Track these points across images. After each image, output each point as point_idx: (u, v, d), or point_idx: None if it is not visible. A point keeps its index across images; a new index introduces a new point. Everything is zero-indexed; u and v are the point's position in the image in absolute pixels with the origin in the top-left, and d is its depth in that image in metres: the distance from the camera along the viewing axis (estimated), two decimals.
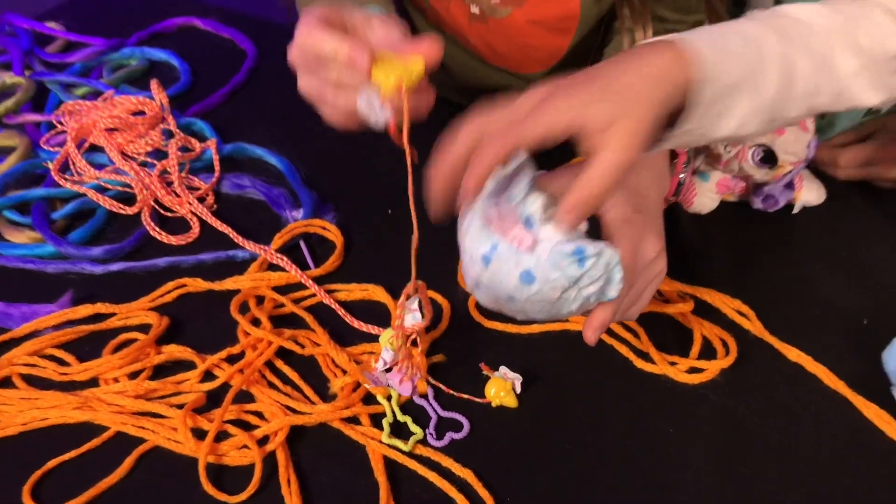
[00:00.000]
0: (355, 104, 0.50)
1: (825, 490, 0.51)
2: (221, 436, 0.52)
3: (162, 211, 0.69)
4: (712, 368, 0.57)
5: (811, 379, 0.57)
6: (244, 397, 0.55)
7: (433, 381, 0.56)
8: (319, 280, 0.63)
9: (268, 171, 0.74)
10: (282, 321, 0.60)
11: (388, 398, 0.55)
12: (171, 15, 0.94)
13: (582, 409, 0.55)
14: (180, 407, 0.53)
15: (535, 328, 0.60)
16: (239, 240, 0.66)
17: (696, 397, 0.56)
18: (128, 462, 0.51)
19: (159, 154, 0.73)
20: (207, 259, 0.65)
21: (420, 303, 0.56)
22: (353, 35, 0.49)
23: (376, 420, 0.54)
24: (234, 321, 0.59)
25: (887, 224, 0.69)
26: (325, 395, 0.55)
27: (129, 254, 0.65)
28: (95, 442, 0.52)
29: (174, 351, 0.57)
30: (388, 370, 0.55)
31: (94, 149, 0.73)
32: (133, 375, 0.56)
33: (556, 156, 0.48)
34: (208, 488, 0.50)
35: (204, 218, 0.68)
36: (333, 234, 0.66)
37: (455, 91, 0.82)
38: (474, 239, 0.45)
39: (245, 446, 0.52)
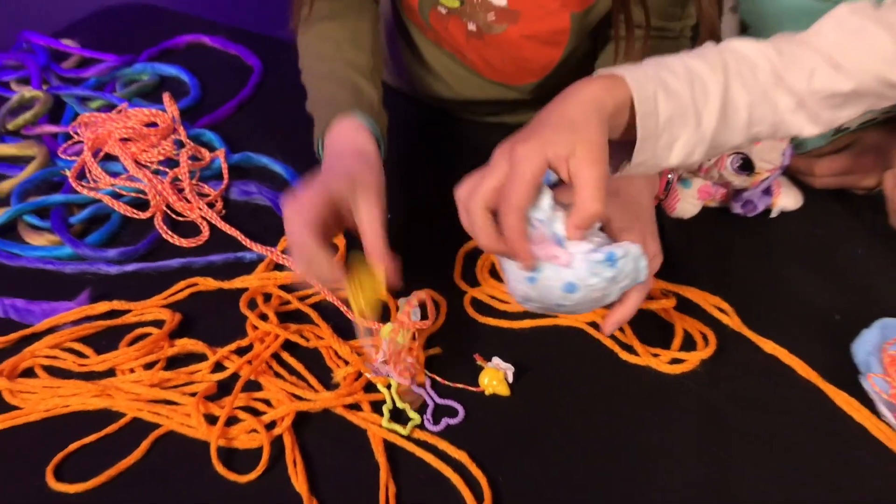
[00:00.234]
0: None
1: (798, 472, 0.54)
2: (231, 421, 0.56)
3: (173, 216, 0.73)
4: (692, 360, 0.60)
5: (786, 369, 0.60)
6: (253, 386, 0.59)
7: (430, 373, 0.60)
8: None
9: (273, 179, 0.78)
10: (288, 317, 0.64)
11: (388, 387, 0.58)
12: (180, 32, 0.98)
13: (570, 398, 0.59)
14: (193, 395, 0.57)
15: (526, 323, 0.64)
16: (247, 242, 0.70)
17: (677, 386, 0.60)
18: (144, 445, 0.55)
19: (171, 163, 0.77)
20: (217, 260, 0.69)
21: (423, 304, 0.60)
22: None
23: (377, 407, 0.57)
24: (243, 317, 0.63)
25: (861, 228, 0.73)
26: (329, 385, 0.59)
27: (143, 255, 0.69)
28: (113, 427, 0.56)
29: (186, 344, 0.61)
30: (387, 362, 0.59)
31: (109, 158, 0.77)
32: (148, 367, 0.59)
33: None
34: (220, 469, 0.53)
35: (213, 222, 0.72)
36: (336, 238, 0.70)
37: (451, 102, 0.86)
38: (512, 271, 0.52)
39: (254, 430, 0.55)
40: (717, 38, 0.68)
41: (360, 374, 0.59)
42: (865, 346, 0.60)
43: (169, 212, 0.73)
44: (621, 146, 0.53)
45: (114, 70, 0.90)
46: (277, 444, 0.55)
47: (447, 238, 0.65)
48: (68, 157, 0.77)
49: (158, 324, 0.63)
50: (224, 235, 0.71)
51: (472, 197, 0.49)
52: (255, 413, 0.57)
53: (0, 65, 0.91)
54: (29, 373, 0.60)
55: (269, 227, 0.72)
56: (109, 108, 0.85)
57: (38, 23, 0.97)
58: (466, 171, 0.51)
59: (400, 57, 0.87)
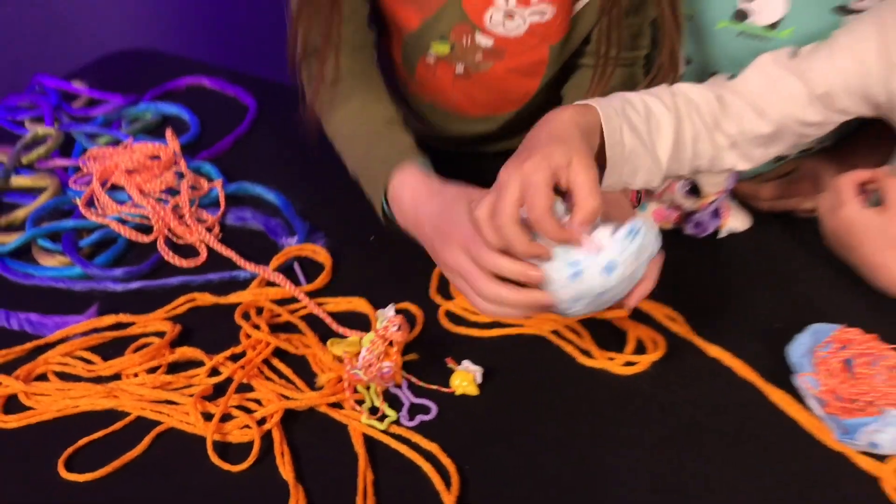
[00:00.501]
0: None
1: (740, 460, 0.60)
2: (226, 418, 0.62)
3: (175, 239, 0.79)
4: (644, 362, 0.67)
5: (728, 370, 0.67)
6: (246, 388, 0.65)
7: (406, 375, 0.66)
8: (310, 294, 0.73)
9: (266, 206, 0.85)
10: (278, 328, 0.70)
11: (368, 388, 0.64)
12: (181, 75, 1.06)
13: (533, 397, 0.65)
14: (191, 396, 0.63)
15: (494, 332, 0.70)
16: (241, 262, 0.76)
17: (630, 386, 0.66)
18: (146, 440, 0.61)
19: (172, 192, 0.84)
20: (214, 278, 0.75)
21: (400, 320, 0.66)
22: None
23: (358, 406, 0.63)
24: (237, 328, 0.69)
25: (802, 247, 0.80)
26: (314, 387, 0.65)
27: (146, 274, 0.76)
28: (119, 425, 0.62)
29: (186, 352, 0.67)
30: (369, 366, 0.65)
31: (116, 188, 0.84)
32: (151, 371, 0.66)
33: None
34: (215, 460, 0.59)
35: (211, 245, 0.79)
36: (323, 256, 0.77)
37: (430, 138, 0.93)
38: (557, 269, 0.57)
39: (246, 426, 0.61)
40: (675, 64, 0.77)
41: (342, 378, 0.65)
42: (799, 349, 0.66)
43: (170, 235, 0.80)
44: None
45: (120, 109, 0.98)
46: (267, 438, 0.61)
47: (424, 257, 0.72)
48: (78, 188, 0.84)
49: (160, 335, 0.69)
50: (220, 257, 0.78)
51: (499, 214, 0.56)
52: (248, 411, 0.63)
53: (15, 105, 0.99)
54: (42, 378, 0.66)
55: (262, 249, 0.79)
56: (116, 143, 0.92)
57: (51, 67, 1.04)
58: None
59: None
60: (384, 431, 0.62)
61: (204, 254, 0.78)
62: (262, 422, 0.62)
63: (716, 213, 0.80)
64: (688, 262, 0.78)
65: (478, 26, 0.80)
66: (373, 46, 0.83)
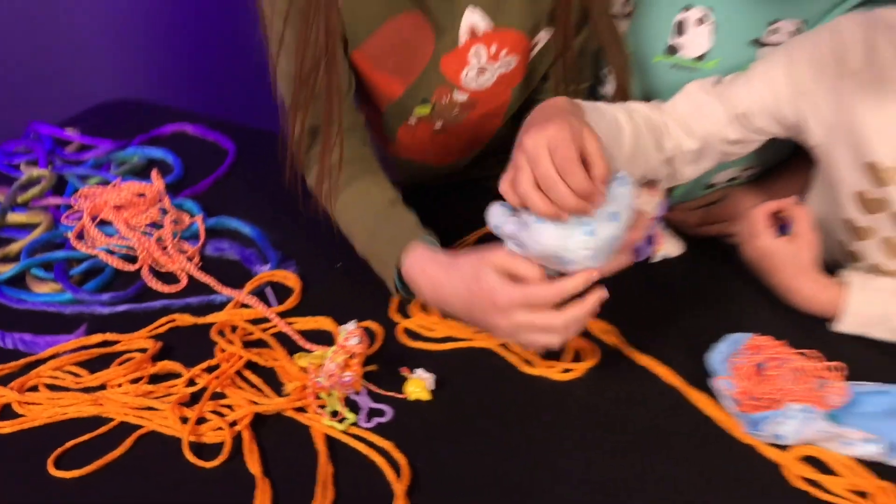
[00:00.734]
0: None
1: (665, 453, 0.67)
2: (201, 421, 0.69)
3: (158, 267, 0.87)
4: (579, 369, 0.74)
5: (655, 376, 0.74)
6: (220, 396, 0.71)
7: (366, 384, 0.73)
8: (281, 314, 0.81)
9: (243, 238, 0.92)
10: (250, 345, 0.77)
11: (330, 395, 0.71)
12: (166, 122, 1.14)
13: (479, 402, 0.72)
14: (170, 403, 0.70)
15: (447, 346, 0.78)
16: (218, 287, 0.84)
17: (567, 391, 0.73)
18: (129, 442, 0.67)
19: (157, 226, 0.91)
20: (193, 302, 0.82)
21: (360, 333, 0.74)
22: None
23: (320, 410, 0.70)
24: (214, 344, 0.76)
25: (728, 269, 0.88)
26: (281, 394, 0.72)
27: (131, 299, 0.83)
28: (104, 429, 0.68)
29: (166, 365, 0.74)
30: (331, 375, 0.72)
31: (104, 223, 0.92)
32: (133, 382, 0.72)
33: None
34: (191, 458, 0.65)
35: (191, 272, 0.86)
36: (293, 281, 0.85)
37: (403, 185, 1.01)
38: (573, 235, 0.66)
39: (219, 428, 0.68)
40: (626, 97, 0.89)
41: (306, 386, 0.72)
42: (717, 356, 0.74)
43: (154, 264, 0.87)
44: None
45: (109, 153, 1.06)
46: (238, 439, 0.67)
47: (382, 284, 0.80)
48: (69, 223, 0.92)
49: (143, 351, 0.76)
50: (199, 283, 0.85)
51: (520, 181, 0.65)
52: (221, 415, 0.69)
53: (12, 150, 1.07)
54: (34, 389, 0.72)
55: (238, 276, 0.86)
56: (105, 184, 0.99)
57: (45, 115, 1.13)
58: None
59: None
60: (343, 432, 0.68)
61: (184, 280, 0.85)
62: (233, 424, 0.68)
63: (650, 240, 0.88)
64: (624, 283, 0.84)
65: (455, 85, 0.89)
66: (364, 127, 0.89)
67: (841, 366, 0.71)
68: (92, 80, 1.37)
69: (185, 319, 0.80)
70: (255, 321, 0.80)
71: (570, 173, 0.63)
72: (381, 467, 0.65)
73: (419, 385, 0.72)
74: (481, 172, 0.99)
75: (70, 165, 1.04)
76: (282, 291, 0.84)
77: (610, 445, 0.68)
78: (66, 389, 0.72)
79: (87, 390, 0.72)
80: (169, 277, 0.86)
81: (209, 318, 0.80)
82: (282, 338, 0.78)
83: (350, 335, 0.72)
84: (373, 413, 0.71)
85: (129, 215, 0.92)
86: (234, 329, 0.79)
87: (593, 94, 0.96)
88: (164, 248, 0.88)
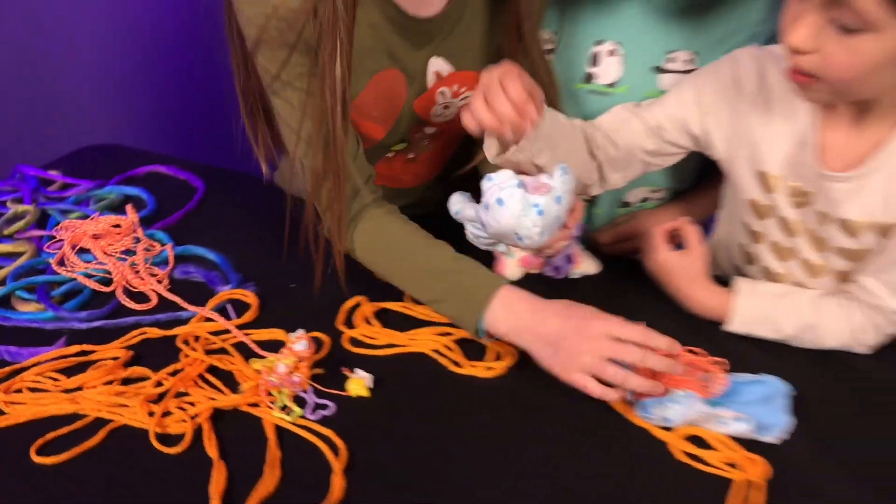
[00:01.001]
0: None
1: (574, 438, 0.77)
2: (166, 415, 0.78)
3: (131, 288, 0.97)
4: (499, 367, 0.85)
5: None
6: (184, 395, 0.81)
7: (312, 383, 0.83)
8: (239, 327, 0.91)
9: (207, 263, 1.03)
10: (212, 353, 0.87)
11: (280, 392, 0.81)
12: (142, 164, 1.25)
13: (413, 398, 0.83)
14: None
15: (386, 351, 0.88)
16: (184, 304, 0.94)
17: (491, 386, 0.84)
18: (102, 433, 0.76)
19: (131, 253, 1.02)
20: (162, 318, 0.92)
21: (306, 338, 0.84)
22: None
23: (271, 405, 0.80)
24: (179, 352, 0.86)
25: (638, 283, 0.99)
26: (237, 392, 0.82)
27: (106, 316, 0.93)
28: (80, 423, 0.78)
29: (136, 370, 0.84)
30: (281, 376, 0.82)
31: (83, 250, 1.02)
32: (107, 384, 0.82)
33: None
34: (157, 446, 0.75)
35: (160, 293, 0.96)
36: (251, 298, 0.95)
37: None
38: (527, 215, 0.81)
39: (182, 420, 0.78)
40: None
41: (259, 385, 0.82)
42: None
43: (127, 286, 0.97)
44: None
45: (89, 191, 1.17)
46: (198, 429, 0.77)
47: (333, 298, 0.90)
48: (52, 251, 1.02)
49: (116, 359, 0.86)
50: (168, 301, 0.95)
51: (472, 102, 0.82)
52: (184, 410, 0.79)
53: None
54: (18, 392, 0.82)
55: (202, 296, 0.96)
56: (85, 218, 1.09)
57: (30, 158, 1.23)
58: None
59: None
60: (291, 423, 0.78)
61: (154, 299, 0.95)
62: (194, 417, 0.78)
63: (569, 259, 1.00)
64: (548, 297, 0.97)
65: (426, 122, 1.02)
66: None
67: (723, 361, 0.83)
68: (74, 127, 1.48)
69: (155, 332, 0.90)
70: (217, 333, 0.90)
71: (510, 83, 0.79)
72: (323, 450, 0.75)
73: (359, 383, 0.83)
74: (435, 196, 1.12)
75: (53, 202, 1.15)
76: (241, 307, 0.95)
77: (528, 432, 0.78)
78: (47, 391, 0.82)
79: (65, 391, 0.81)
80: (141, 297, 0.96)
81: (176, 331, 0.90)
82: (240, 347, 0.88)
83: (297, 340, 0.82)
84: (317, 407, 0.81)
85: (105, 244, 1.02)
86: (197, 339, 0.89)
87: None
88: (137, 271, 0.99)
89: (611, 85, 1.04)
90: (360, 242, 0.94)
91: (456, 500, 0.71)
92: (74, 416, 0.79)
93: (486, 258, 0.95)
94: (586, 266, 1.01)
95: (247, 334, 0.90)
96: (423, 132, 1.03)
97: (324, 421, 0.79)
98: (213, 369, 0.85)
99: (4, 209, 1.13)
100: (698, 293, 0.91)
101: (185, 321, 0.92)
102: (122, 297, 0.95)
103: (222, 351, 0.88)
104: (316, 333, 0.90)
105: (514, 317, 0.84)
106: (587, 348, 0.79)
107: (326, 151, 0.89)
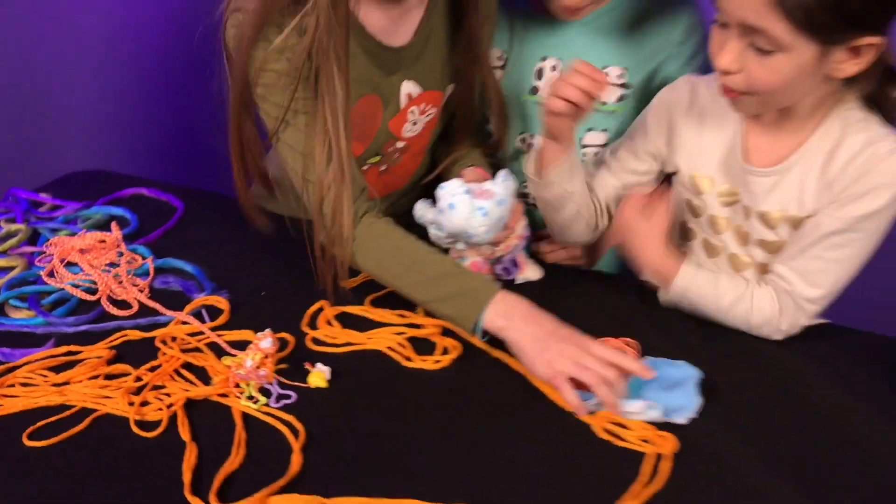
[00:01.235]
0: None
1: (515, 422, 0.87)
2: (145, 404, 0.88)
3: (114, 297, 1.07)
4: (446, 360, 0.95)
5: (505, 364, 0.95)
6: (160, 388, 0.90)
7: (277, 377, 0.92)
8: (213, 329, 1.00)
9: (185, 274, 1.12)
10: (187, 352, 0.96)
11: (248, 385, 0.91)
12: (126, 187, 1.35)
13: (367, 388, 0.92)
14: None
15: (345, 349, 0.98)
16: (163, 309, 1.03)
17: (437, 378, 0.93)
18: (87, 420, 0.85)
19: (115, 265, 1.11)
20: (143, 322, 1.02)
21: (271, 336, 0.94)
22: None
23: (239, 395, 0.90)
24: (158, 351, 0.96)
25: (571, 288, 1.10)
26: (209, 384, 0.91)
27: (92, 321, 1.02)
28: (68, 412, 0.87)
29: (118, 367, 0.93)
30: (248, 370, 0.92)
31: (71, 264, 1.12)
32: (92, 379, 0.91)
33: None
34: (136, 431, 0.84)
35: (141, 300, 1.06)
36: (223, 304, 1.04)
37: None
38: (469, 217, 0.98)
39: (159, 409, 0.87)
40: (504, 127, 1.20)
41: (228, 378, 0.91)
42: None
43: (111, 294, 1.07)
44: None
45: (77, 211, 1.26)
46: (173, 417, 0.86)
47: (299, 303, 1.00)
48: (42, 265, 1.11)
49: (100, 358, 0.95)
50: (148, 308, 1.05)
51: (568, 74, 0.98)
52: (160, 400, 0.88)
53: None
54: (11, 386, 0.91)
55: (180, 303, 1.05)
56: (72, 236, 1.19)
57: (22, 182, 1.33)
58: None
59: None
60: (257, 410, 0.88)
61: (136, 306, 1.05)
62: (170, 406, 0.87)
63: (515, 263, 1.11)
64: None
65: (398, 138, 1.14)
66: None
67: (635, 343, 0.94)
68: (63, 154, 1.59)
69: (135, 334, 0.99)
70: (192, 334, 0.99)
71: (577, 67, 0.96)
72: (284, 432, 0.85)
73: (318, 376, 0.92)
74: (404, 204, 1.23)
75: (43, 221, 1.24)
76: (215, 312, 1.04)
77: (473, 418, 0.88)
78: (38, 385, 0.91)
79: (54, 385, 0.91)
80: (123, 304, 1.06)
81: (155, 333, 0.99)
82: (213, 346, 0.98)
83: (262, 338, 0.92)
84: (281, 397, 0.90)
85: (91, 257, 1.12)
86: (174, 339, 0.98)
87: (481, 129, 1.24)
88: (120, 281, 1.08)
89: None
90: (363, 249, 1.03)
91: (400, 473, 0.81)
92: (62, 407, 0.88)
93: None
94: (530, 272, 1.12)
95: (219, 335, 0.99)
96: (395, 146, 1.16)
97: (286, 408, 0.88)
98: (188, 366, 0.94)
99: None
100: (652, 256, 1.01)
101: (163, 325, 1.02)
102: (107, 304, 1.05)
103: (197, 350, 0.97)
104: (282, 334, 0.99)
105: (513, 313, 0.94)
106: (572, 353, 0.89)
107: (332, 166, 0.99)
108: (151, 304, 1.05)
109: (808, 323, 1.00)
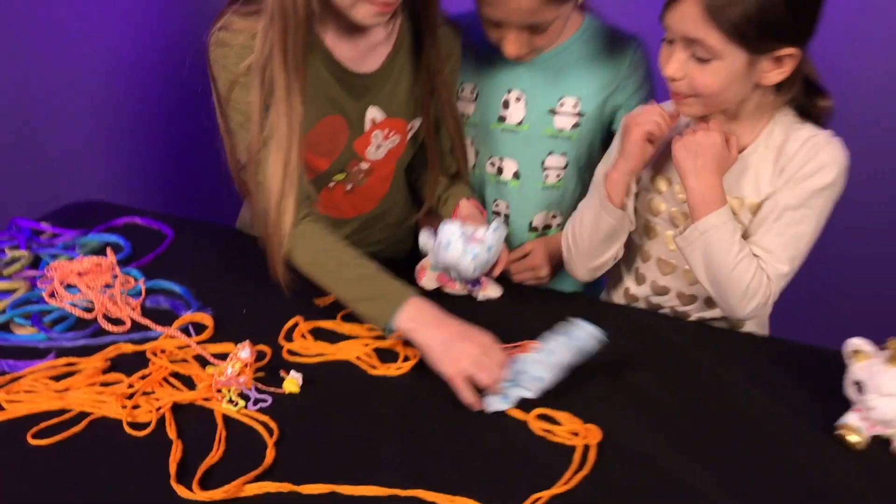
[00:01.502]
0: None
1: (464, 418, 0.98)
2: (136, 408, 0.98)
3: (109, 315, 1.18)
4: (406, 367, 1.06)
5: None
6: (150, 394, 1.01)
7: (255, 384, 1.03)
8: (198, 342, 1.11)
9: (173, 294, 1.24)
10: (175, 362, 1.08)
11: (229, 390, 1.02)
12: (119, 216, 1.47)
13: (338, 394, 1.03)
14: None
15: (317, 359, 1.09)
16: (153, 325, 1.15)
17: (398, 383, 1.05)
18: (85, 422, 0.96)
19: (109, 287, 1.23)
20: (135, 336, 1.13)
21: (249, 346, 1.05)
22: None
23: (221, 399, 1.00)
24: (149, 362, 1.07)
25: (527, 305, 1.21)
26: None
27: (89, 336, 1.13)
28: (67, 415, 0.97)
29: (113, 375, 1.04)
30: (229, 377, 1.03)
31: (69, 286, 1.23)
32: (88, 386, 1.02)
33: None
34: (128, 430, 0.95)
35: (134, 318, 1.17)
36: (208, 321, 1.15)
37: None
38: (460, 257, 1.14)
39: (149, 411, 0.98)
40: (465, 155, 1.34)
41: (211, 385, 1.02)
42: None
43: (106, 313, 1.18)
44: None
45: (75, 238, 1.38)
46: (162, 419, 0.97)
47: (276, 320, 1.11)
48: (43, 287, 1.23)
49: (96, 368, 1.06)
50: (140, 324, 1.16)
51: (643, 110, 1.15)
52: (150, 403, 0.99)
53: None
54: (16, 393, 1.02)
55: (169, 320, 1.16)
56: (71, 261, 1.31)
57: (24, 212, 1.45)
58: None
59: None
60: (236, 412, 0.99)
61: (129, 323, 1.16)
62: (159, 409, 0.98)
63: (478, 282, 1.22)
64: (455, 313, 1.18)
65: (362, 158, 1.27)
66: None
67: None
68: (62, 186, 1.70)
69: (128, 347, 1.10)
70: (180, 347, 1.10)
71: (648, 107, 1.14)
72: (261, 432, 0.95)
73: (292, 382, 1.03)
74: (370, 238, 1.35)
75: (44, 248, 1.35)
76: (200, 328, 1.15)
77: (425, 415, 0.99)
78: (40, 392, 1.02)
79: (55, 392, 1.01)
80: (117, 321, 1.17)
81: (145, 346, 1.10)
82: (199, 358, 1.09)
83: (241, 348, 1.03)
84: (258, 401, 1.01)
85: (88, 280, 1.23)
86: (163, 351, 1.09)
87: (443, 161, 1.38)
88: (115, 301, 1.19)
89: (518, 124, 1.33)
90: (300, 248, 1.13)
91: (363, 465, 0.91)
92: (62, 411, 0.99)
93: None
94: (491, 290, 1.24)
95: (204, 348, 1.10)
96: (360, 167, 1.28)
97: (262, 410, 0.99)
98: (175, 374, 1.05)
99: (2, 255, 1.34)
100: (713, 178, 1.08)
101: (153, 339, 1.13)
102: (102, 321, 1.16)
103: (183, 360, 1.08)
104: (261, 346, 1.10)
105: (421, 317, 1.05)
106: (473, 354, 1.01)
107: (282, 172, 1.09)
108: (143, 320, 1.16)
109: (774, 299, 1.14)
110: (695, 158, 1.08)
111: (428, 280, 1.22)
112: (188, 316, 1.17)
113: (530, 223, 1.39)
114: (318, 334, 1.15)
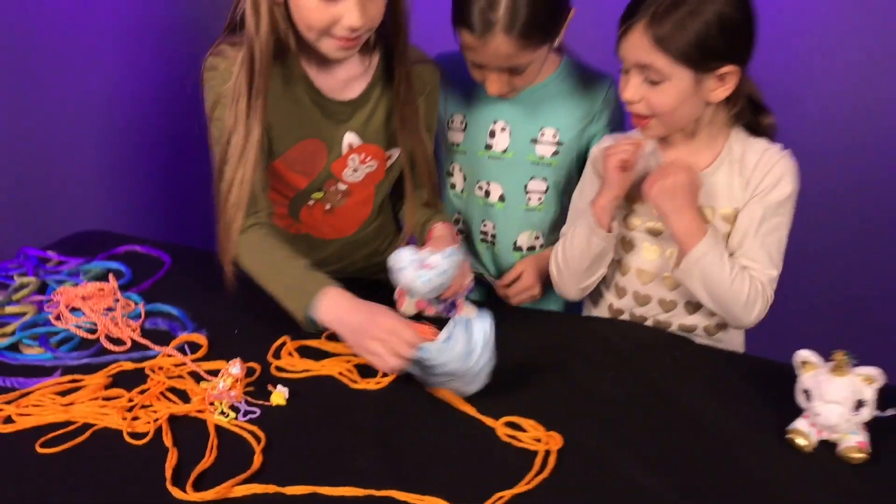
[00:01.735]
0: None
1: (437, 428, 1.07)
2: (136, 419, 1.07)
3: (111, 335, 1.27)
4: (384, 382, 1.15)
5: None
6: (148, 407, 1.10)
7: (245, 397, 1.12)
8: (193, 360, 1.20)
9: (170, 316, 1.33)
10: (172, 378, 1.16)
11: (221, 403, 1.10)
12: (120, 245, 1.56)
13: (320, 405, 1.12)
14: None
15: (303, 374, 1.18)
16: (151, 345, 1.23)
17: (377, 396, 1.13)
18: (88, 433, 1.05)
19: (111, 310, 1.32)
20: (135, 355, 1.22)
21: (239, 363, 1.14)
22: None
23: (213, 412, 1.09)
24: (146, 377, 1.15)
25: (515, 318, 1.30)
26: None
27: (92, 355, 1.22)
28: (72, 427, 1.06)
29: (114, 391, 1.13)
30: (221, 391, 1.12)
31: (74, 309, 1.32)
32: (91, 401, 1.11)
33: None
34: (128, 439, 1.03)
35: (134, 338, 1.26)
36: (202, 340, 1.25)
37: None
38: (412, 281, 1.20)
39: (148, 423, 1.06)
40: (435, 186, 1.43)
41: (204, 398, 1.11)
42: None
43: (108, 333, 1.27)
44: None
45: (79, 266, 1.47)
46: (159, 429, 1.06)
47: (266, 340, 1.21)
48: (49, 310, 1.32)
49: (99, 384, 1.15)
50: (139, 344, 1.25)
51: (617, 143, 1.25)
52: (149, 416, 1.08)
53: (7, 267, 1.47)
54: (25, 407, 1.11)
55: (166, 340, 1.26)
56: (75, 286, 1.40)
57: (32, 242, 1.54)
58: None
59: None
60: (227, 422, 1.07)
61: (129, 343, 1.25)
62: (156, 420, 1.07)
63: (453, 305, 1.31)
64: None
65: (339, 179, 1.37)
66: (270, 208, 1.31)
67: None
68: (67, 216, 1.80)
69: (129, 365, 1.19)
70: (176, 365, 1.19)
71: (621, 141, 1.28)
72: (249, 440, 1.04)
73: (279, 395, 1.12)
74: (352, 263, 1.44)
75: (50, 274, 1.45)
76: (195, 347, 1.24)
77: (399, 425, 1.08)
78: (47, 406, 1.10)
79: (61, 405, 1.10)
80: (119, 342, 1.26)
81: (144, 364, 1.19)
82: (193, 374, 1.18)
83: (232, 364, 1.12)
84: (247, 413, 1.10)
85: (92, 303, 1.32)
86: (161, 368, 1.18)
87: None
88: (116, 323, 1.29)
89: (504, 151, 1.44)
90: (244, 252, 1.24)
91: (343, 470, 1.00)
92: (68, 422, 1.07)
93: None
94: (467, 312, 1.32)
95: (198, 365, 1.19)
96: (337, 188, 1.38)
97: (251, 421, 1.08)
98: (171, 389, 1.14)
99: (12, 281, 1.43)
100: (685, 217, 1.20)
101: (152, 357, 1.22)
102: (105, 341, 1.25)
103: (179, 377, 1.17)
104: (251, 363, 1.19)
105: (336, 308, 1.16)
106: (375, 338, 1.11)
107: (237, 184, 1.22)
108: (142, 340, 1.25)
109: (771, 301, 1.25)
110: (672, 199, 1.21)
111: (408, 306, 1.31)
112: (184, 336, 1.26)
113: (515, 242, 1.51)
114: (304, 352, 1.24)
